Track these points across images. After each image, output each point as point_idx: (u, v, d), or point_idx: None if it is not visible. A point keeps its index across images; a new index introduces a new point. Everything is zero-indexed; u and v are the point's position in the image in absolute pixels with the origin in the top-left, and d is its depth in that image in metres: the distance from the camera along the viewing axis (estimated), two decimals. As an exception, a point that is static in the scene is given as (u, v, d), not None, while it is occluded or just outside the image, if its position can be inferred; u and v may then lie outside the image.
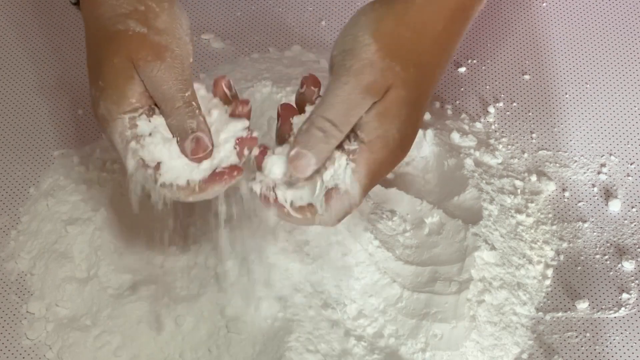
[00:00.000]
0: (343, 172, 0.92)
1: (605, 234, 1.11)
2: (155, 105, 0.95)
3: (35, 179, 1.16)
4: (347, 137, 0.92)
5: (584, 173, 1.16)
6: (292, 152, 0.91)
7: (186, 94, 0.94)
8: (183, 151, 0.93)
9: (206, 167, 0.94)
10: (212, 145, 0.93)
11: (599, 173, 1.16)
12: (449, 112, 1.20)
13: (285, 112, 0.96)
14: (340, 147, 0.93)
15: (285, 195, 0.92)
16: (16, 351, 1.05)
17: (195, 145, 0.93)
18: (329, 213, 0.92)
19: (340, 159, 0.92)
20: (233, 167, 0.93)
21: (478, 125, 1.19)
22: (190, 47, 0.96)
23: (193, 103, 0.94)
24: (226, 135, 0.94)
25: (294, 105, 0.97)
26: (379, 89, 0.92)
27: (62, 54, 1.28)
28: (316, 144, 0.91)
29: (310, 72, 0.97)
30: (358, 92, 0.91)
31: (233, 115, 0.95)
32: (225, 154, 0.94)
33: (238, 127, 0.95)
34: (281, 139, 0.95)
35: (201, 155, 0.93)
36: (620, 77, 1.23)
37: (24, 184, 1.16)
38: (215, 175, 0.93)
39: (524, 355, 1.02)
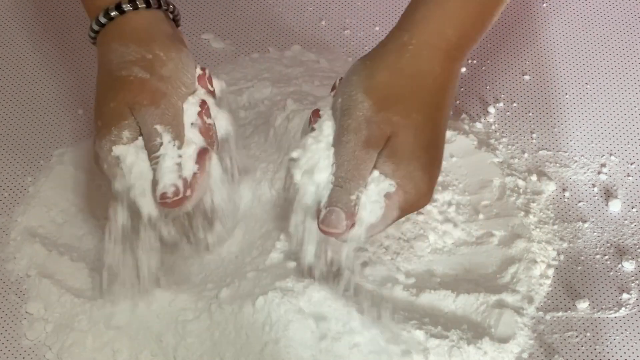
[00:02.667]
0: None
1: (605, 234, 1.11)
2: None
3: (35, 178, 1.16)
4: None
5: (584, 173, 1.16)
6: (322, 214, 0.96)
7: (175, 141, 0.99)
8: (153, 195, 0.99)
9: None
10: (184, 194, 0.98)
11: (599, 173, 1.16)
12: (449, 112, 1.20)
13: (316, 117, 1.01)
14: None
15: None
16: (16, 351, 1.05)
17: (162, 196, 0.98)
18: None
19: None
20: (203, 151, 1.00)
21: (478, 125, 1.19)
22: (188, 97, 1.02)
23: (176, 151, 0.99)
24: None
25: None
26: (377, 141, 0.97)
27: (63, 53, 1.28)
28: (340, 198, 0.96)
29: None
30: (360, 149, 0.97)
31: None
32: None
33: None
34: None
35: (167, 202, 0.98)
36: (620, 77, 1.23)
37: (24, 183, 1.16)
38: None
39: (525, 355, 1.02)
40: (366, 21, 1.30)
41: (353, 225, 0.96)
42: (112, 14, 1.04)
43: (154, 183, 0.99)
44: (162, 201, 0.98)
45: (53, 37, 1.29)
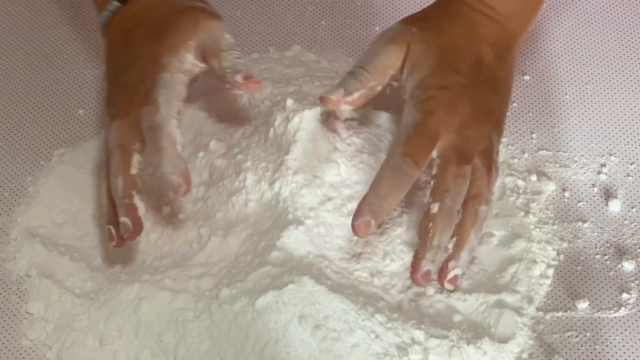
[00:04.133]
0: None
1: (605, 234, 1.11)
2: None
3: (35, 178, 1.16)
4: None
5: (584, 173, 1.16)
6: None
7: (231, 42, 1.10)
8: (235, 84, 1.06)
9: None
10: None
11: (599, 173, 1.16)
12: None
13: None
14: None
15: None
16: (16, 351, 1.05)
17: (246, 77, 1.06)
18: None
19: None
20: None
21: (478, 125, 1.19)
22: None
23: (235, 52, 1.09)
24: None
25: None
26: (396, 39, 1.06)
27: (63, 53, 1.28)
28: (346, 80, 1.05)
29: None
30: (380, 43, 1.07)
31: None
32: None
33: None
34: None
35: (251, 84, 1.06)
36: (620, 77, 1.23)
37: (24, 183, 1.16)
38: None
39: (524, 355, 1.02)
40: (366, 21, 1.30)
41: None
42: None
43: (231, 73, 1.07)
44: (247, 81, 1.06)
45: (53, 37, 1.29)
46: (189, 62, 1.09)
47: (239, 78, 1.06)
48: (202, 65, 1.09)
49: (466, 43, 1.07)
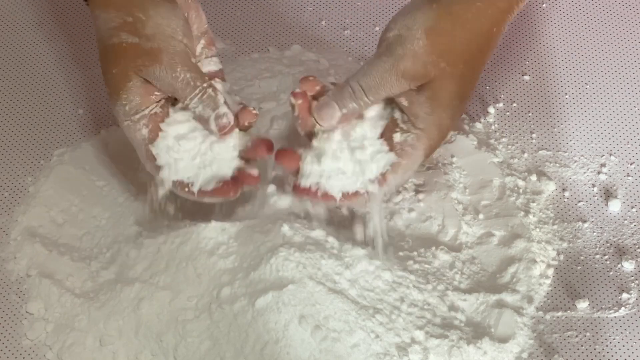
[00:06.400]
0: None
1: (605, 234, 1.11)
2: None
3: (35, 178, 1.16)
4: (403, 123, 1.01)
5: (584, 173, 1.16)
6: (320, 101, 1.00)
7: (197, 82, 1.02)
8: (210, 131, 1.02)
9: (208, 175, 1.03)
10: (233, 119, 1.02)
11: (599, 173, 1.16)
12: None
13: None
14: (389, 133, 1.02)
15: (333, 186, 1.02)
16: (16, 351, 1.05)
17: (220, 124, 1.02)
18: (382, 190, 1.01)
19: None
20: (234, 183, 1.03)
21: (478, 125, 1.19)
22: (186, 41, 1.03)
23: (205, 87, 1.02)
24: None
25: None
26: (414, 77, 0.99)
27: (63, 53, 1.28)
28: (344, 98, 1.00)
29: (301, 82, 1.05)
30: (393, 74, 0.99)
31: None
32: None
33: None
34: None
35: (226, 132, 1.02)
36: (620, 77, 1.23)
37: (24, 183, 1.16)
38: (215, 191, 1.03)
39: (524, 355, 1.02)
40: (366, 21, 1.30)
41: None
42: None
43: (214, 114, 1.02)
44: (223, 132, 1.02)
45: (52, 37, 1.29)
46: (135, 102, 1.04)
47: (212, 127, 1.03)
48: None
49: (476, 80, 1.04)
